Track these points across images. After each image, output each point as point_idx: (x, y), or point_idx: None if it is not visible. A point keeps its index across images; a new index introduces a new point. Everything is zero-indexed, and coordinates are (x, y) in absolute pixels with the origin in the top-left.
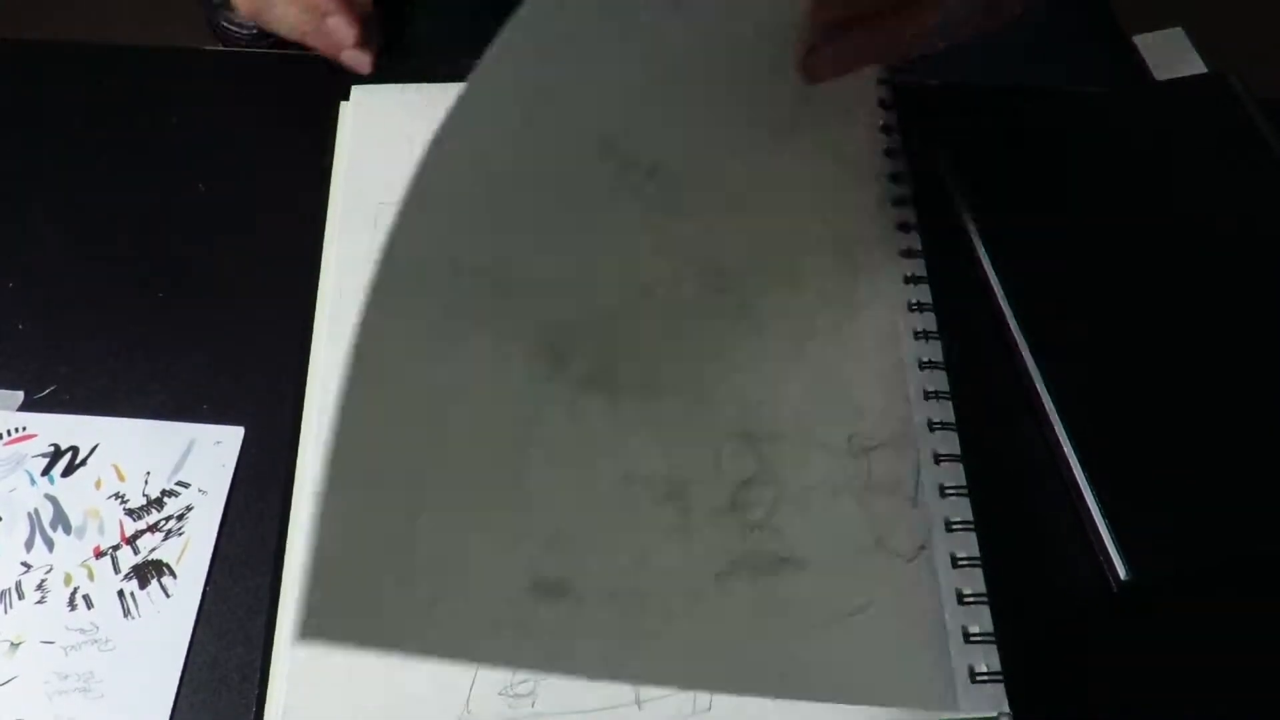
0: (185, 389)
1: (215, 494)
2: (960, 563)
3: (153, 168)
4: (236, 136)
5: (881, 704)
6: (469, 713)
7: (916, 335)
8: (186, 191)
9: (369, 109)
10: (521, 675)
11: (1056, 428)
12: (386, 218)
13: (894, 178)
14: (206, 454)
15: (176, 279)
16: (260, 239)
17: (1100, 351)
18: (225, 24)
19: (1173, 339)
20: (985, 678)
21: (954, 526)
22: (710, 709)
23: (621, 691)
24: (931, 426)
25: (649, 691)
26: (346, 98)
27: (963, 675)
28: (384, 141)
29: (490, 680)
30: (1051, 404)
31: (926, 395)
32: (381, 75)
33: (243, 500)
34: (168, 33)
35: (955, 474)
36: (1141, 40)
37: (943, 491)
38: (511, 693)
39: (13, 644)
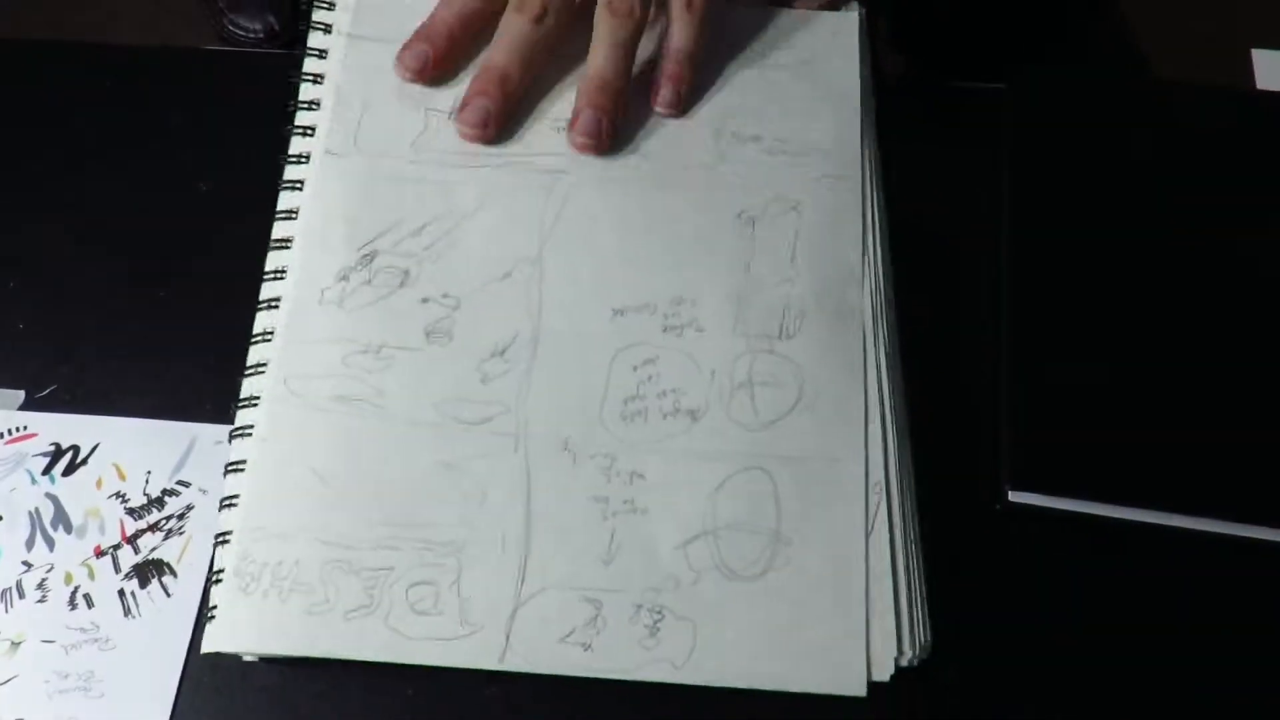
0: (185, 389)
1: (216, 494)
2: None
3: (153, 168)
4: (237, 136)
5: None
6: None
7: None
8: (186, 191)
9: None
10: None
11: (1004, 350)
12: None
13: None
14: (207, 453)
15: (176, 279)
16: (260, 239)
17: (1083, 308)
18: (231, 27)
19: (1165, 324)
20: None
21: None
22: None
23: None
24: None
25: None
26: None
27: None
28: None
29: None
30: (1009, 328)
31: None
32: None
33: None
34: (168, 33)
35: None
36: (1259, 55)
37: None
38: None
39: (13, 643)
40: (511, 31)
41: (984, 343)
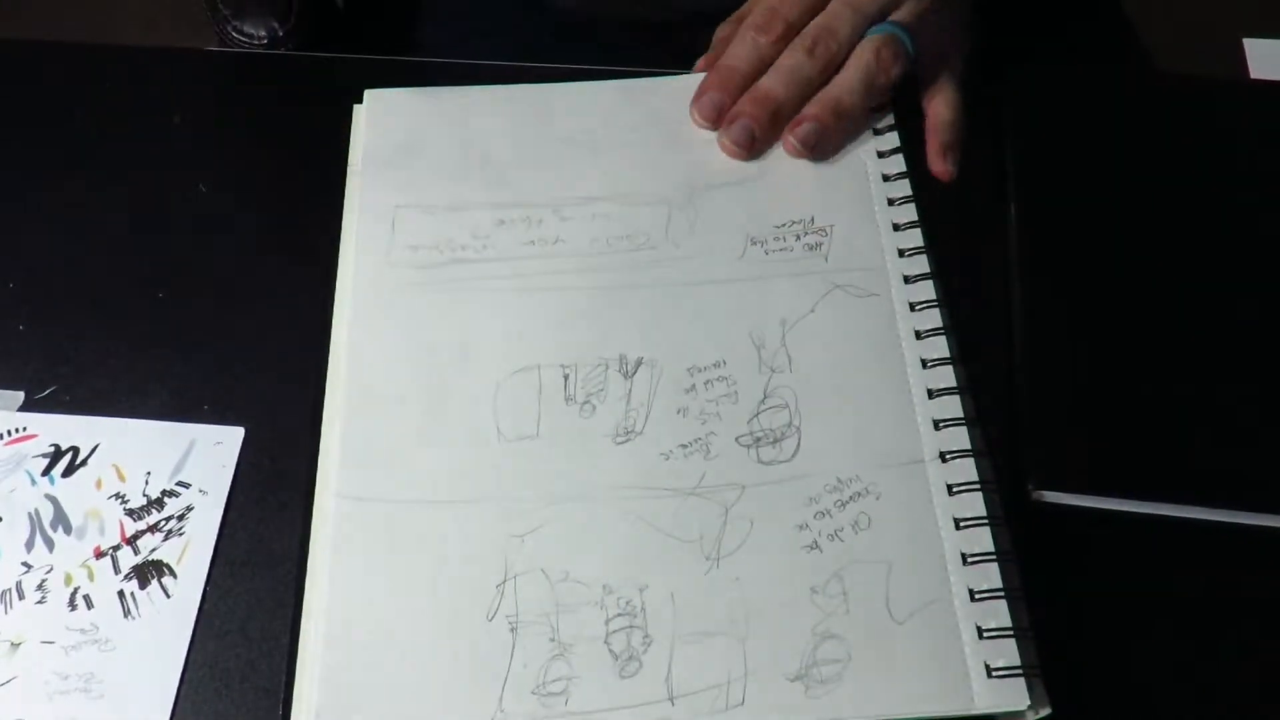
0: (185, 389)
1: (215, 494)
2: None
3: (153, 168)
4: (237, 136)
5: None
6: (502, 712)
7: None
8: (186, 191)
9: (383, 113)
10: (553, 674)
11: (1018, 346)
12: (403, 219)
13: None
14: (207, 454)
15: (176, 279)
16: (261, 239)
17: (1093, 303)
18: (235, 34)
19: (1169, 312)
20: (1004, 672)
21: (963, 525)
22: (743, 703)
23: (655, 689)
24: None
25: (682, 686)
26: (358, 100)
27: (979, 671)
28: (399, 145)
29: (522, 679)
30: (1022, 326)
31: None
32: (392, 79)
33: (243, 500)
34: (167, 33)
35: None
36: (1251, 44)
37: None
38: (544, 691)
39: (13, 644)
40: (794, 68)
41: (996, 343)
